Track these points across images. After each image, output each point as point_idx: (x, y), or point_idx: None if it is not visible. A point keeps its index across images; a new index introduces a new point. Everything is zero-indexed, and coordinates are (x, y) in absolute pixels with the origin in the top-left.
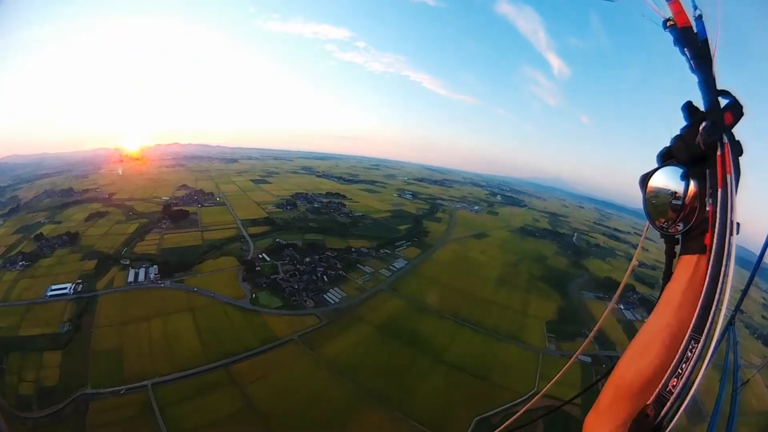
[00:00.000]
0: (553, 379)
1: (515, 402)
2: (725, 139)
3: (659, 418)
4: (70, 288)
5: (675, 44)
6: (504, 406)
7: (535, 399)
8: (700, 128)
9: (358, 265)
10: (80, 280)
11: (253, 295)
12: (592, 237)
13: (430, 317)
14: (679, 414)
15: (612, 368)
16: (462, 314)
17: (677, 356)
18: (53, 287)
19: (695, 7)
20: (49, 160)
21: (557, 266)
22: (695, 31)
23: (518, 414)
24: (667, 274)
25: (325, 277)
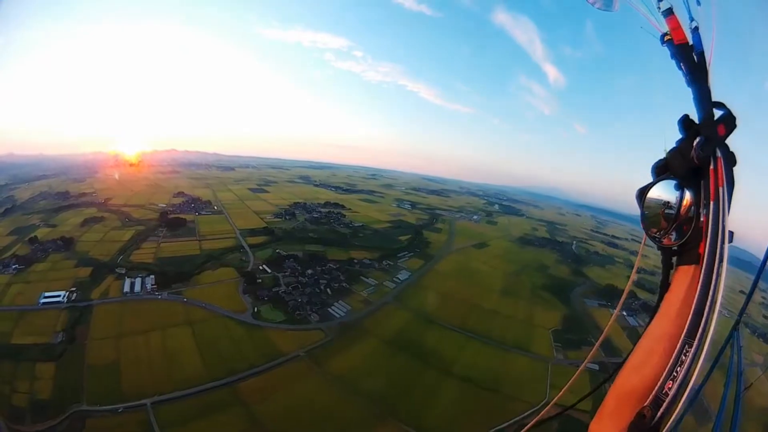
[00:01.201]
0: (561, 390)
1: (528, 413)
2: (718, 153)
3: (655, 419)
4: (64, 296)
5: (672, 58)
6: (517, 418)
7: (543, 412)
8: (694, 143)
9: (361, 277)
10: (74, 288)
11: (255, 309)
12: (590, 245)
13: (437, 329)
14: (674, 415)
15: (613, 373)
16: (468, 326)
17: (672, 360)
18: (46, 294)
19: (691, 19)
20: (46, 162)
21: (559, 275)
22: (691, 44)
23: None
24: (665, 285)
25: (328, 289)
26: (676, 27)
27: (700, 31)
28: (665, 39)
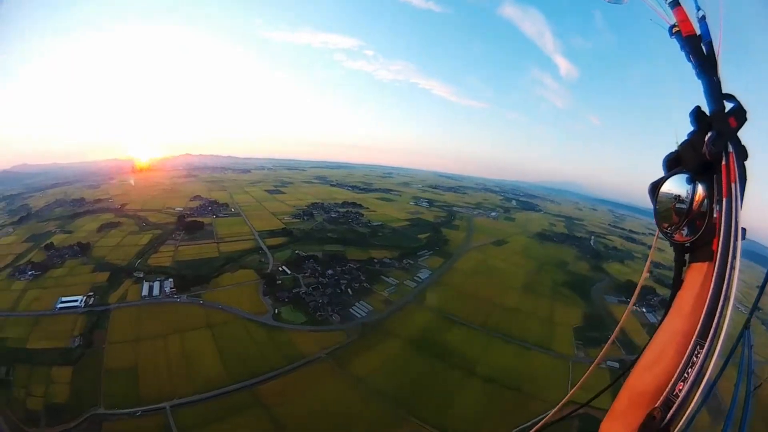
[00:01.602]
0: (575, 387)
1: (551, 412)
2: (730, 148)
3: (665, 421)
4: (81, 300)
5: (681, 50)
6: (540, 417)
7: (554, 410)
8: (706, 138)
9: (382, 276)
10: (92, 293)
11: (276, 311)
12: (609, 240)
13: (460, 329)
14: (685, 417)
15: (626, 371)
16: (491, 324)
17: (683, 361)
18: (63, 299)
19: (698, 8)
20: (60, 170)
21: (578, 271)
22: (699, 33)
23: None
24: (677, 282)
25: (349, 290)
26: (683, 19)
27: (708, 20)
28: (674, 31)
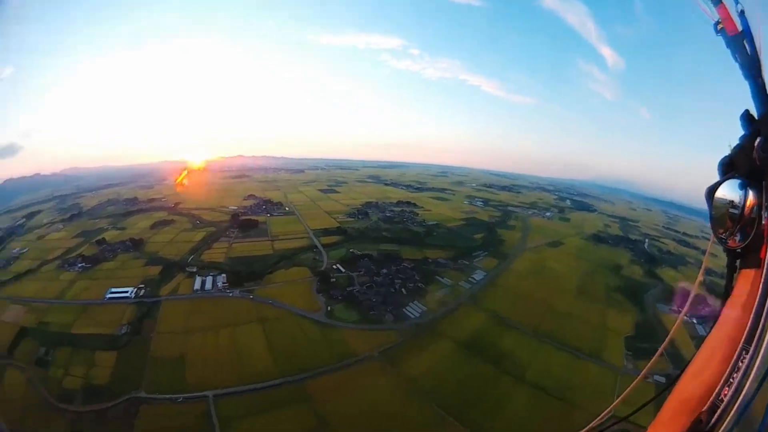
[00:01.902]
0: (617, 400)
1: (594, 424)
2: None
3: (710, 424)
4: (132, 292)
5: (727, 47)
6: (584, 429)
7: (592, 424)
8: (756, 144)
9: (436, 276)
10: (143, 285)
11: (329, 308)
12: (662, 243)
13: (512, 333)
14: (728, 421)
15: (672, 382)
16: (543, 329)
17: (729, 366)
18: (113, 290)
19: (737, 2)
20: (111, 172)
21: (632, 276)
22: (741, 29)
23: None
24: (728, 288)
25: (403, 289)
26: (726, 17)
27: (748, 15)
28: (719, 28)
